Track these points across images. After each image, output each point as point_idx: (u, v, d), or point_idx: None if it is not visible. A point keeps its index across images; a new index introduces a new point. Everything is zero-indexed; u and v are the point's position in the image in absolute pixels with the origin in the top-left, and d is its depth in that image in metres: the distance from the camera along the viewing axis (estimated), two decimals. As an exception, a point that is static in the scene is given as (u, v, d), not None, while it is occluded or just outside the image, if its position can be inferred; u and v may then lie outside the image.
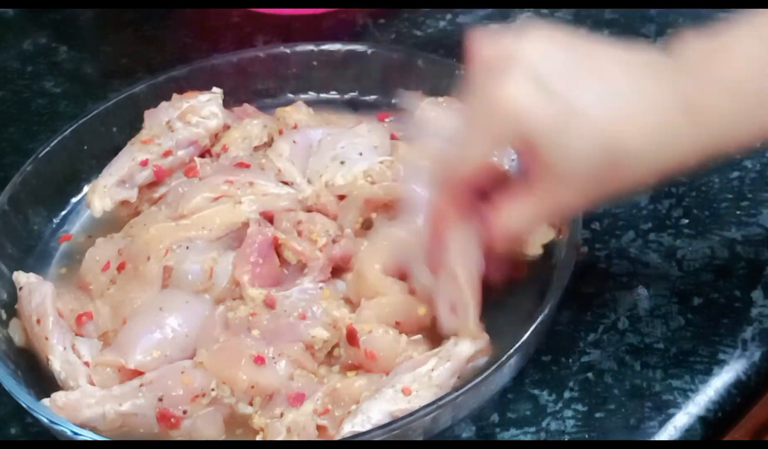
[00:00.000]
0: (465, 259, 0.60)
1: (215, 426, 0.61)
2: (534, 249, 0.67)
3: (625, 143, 0.53)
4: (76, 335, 0.65)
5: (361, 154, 0.72)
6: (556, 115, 0.53)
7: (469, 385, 0.57)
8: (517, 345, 0.59)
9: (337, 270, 0.68)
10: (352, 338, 0.62)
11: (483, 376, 0.57)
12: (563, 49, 0.55)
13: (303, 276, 0.67)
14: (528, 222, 0.60)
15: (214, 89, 0.80)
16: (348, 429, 0.57)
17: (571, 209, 0.60)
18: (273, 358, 0.62)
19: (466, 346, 0.60)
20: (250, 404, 0.61)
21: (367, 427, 0.57)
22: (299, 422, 0.58)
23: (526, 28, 0.56)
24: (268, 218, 0.70)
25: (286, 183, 0.73)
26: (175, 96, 0.79)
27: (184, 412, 0.60)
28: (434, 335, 0.64)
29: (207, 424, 0.60)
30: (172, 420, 0.60)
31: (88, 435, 0.58)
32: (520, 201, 0.57)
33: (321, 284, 0.66)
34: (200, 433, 0.61)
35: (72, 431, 0.58)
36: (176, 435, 0.61)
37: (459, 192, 0.59)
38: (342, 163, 0.72)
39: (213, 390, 0.60)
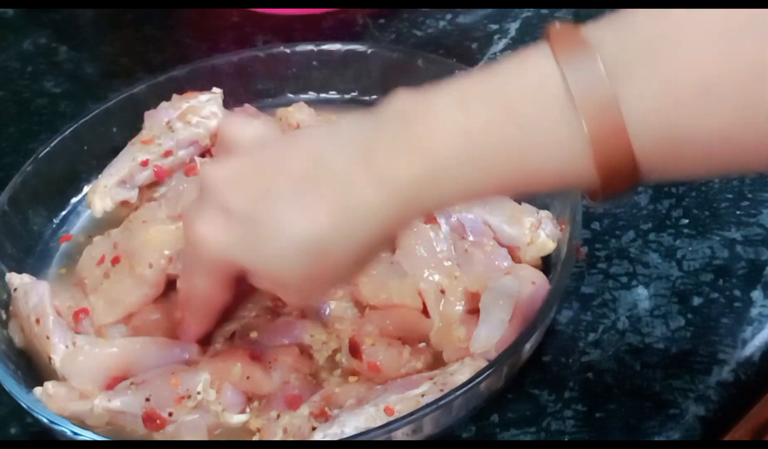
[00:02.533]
0: None
1: (199, 434, 0.60)
2: (532, 259, 0.67)
3: (319, 235, 0.52)
4: (75, 332, 0.65)
5: None
6: (250, 240, 0.53)
7: (468, 386, 0.57)
8: (516, 346, 0.59)
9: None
10: (355, 350, 0.62)
11: (481, 377, 0.57)
12: (248, 166, 0.55)
13: None
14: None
15: (214, 89, 0.80)
16: (319, 436, 0.57)
17: (317, 296, 0.63)
18: (269, 363, 0.62)
19: (464, 375, 0.59)
20: (242, 412, 0.61)
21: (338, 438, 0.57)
22: (295, 424, 0.58)
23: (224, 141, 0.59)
24: None
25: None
26: (175, 96, 0.79)
27: (170, 414, 0.59)
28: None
29: (190, 433, 0.60)
30: (158, 421, 0.59)
31: (88, 435, 0.58)
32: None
33: None
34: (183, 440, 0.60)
35: (72, 431, 0.58)
36: (160, 439, 0.60)
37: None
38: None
39: (199, 393, 0.60)
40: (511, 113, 0.48)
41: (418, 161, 0.49)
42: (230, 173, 0.54)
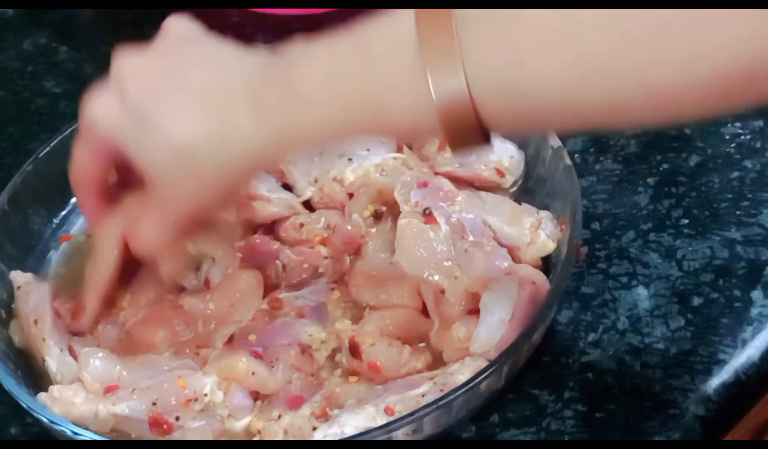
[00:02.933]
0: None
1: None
2: (532, 259, 0.67)
3: (192, 144, 0.56)
4: (73, 332, 0.65)
5: (368, 150, 0.72)
6: (134, 129, 0.57)
7: (468, 386, 0.57)
8: (516, 346, 0.59)
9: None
10: (355, 351, 0.62)
11: (481, 377, 0.57)
12: (158, 63, 0.59)
13: (317, 277, 0.67)
14: (157, 234, 0.61)
15: (215, 89, 0.79)
16: (320, 436, 0.57)
17: (184, 213, 0.60)
18: (271, 362, 0.62)
19: (464, 375, 0.59)
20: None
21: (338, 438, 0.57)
22: (296, 424, 0.58)
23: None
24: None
25: (287, 185, 0.72)
26: (175, 96, 0.78)
27: (177, 418, 0.59)
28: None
29: (197, 438, 0.59)
30: (165, 426, 0.59)
31: (88, 435, 0.58)
32: (148, 214, 0.61)
33: (332, 285, 0.67)
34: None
35: (72, 431, 0.57)
36: None
37: (90, 192, 0.64)
38: (350, 160, 0.71)
39: (206, 395, 0.59)
40: (368, 60, 0.52)
41: (289, 102, 0.53)
42: (138, 65, 0.59)
